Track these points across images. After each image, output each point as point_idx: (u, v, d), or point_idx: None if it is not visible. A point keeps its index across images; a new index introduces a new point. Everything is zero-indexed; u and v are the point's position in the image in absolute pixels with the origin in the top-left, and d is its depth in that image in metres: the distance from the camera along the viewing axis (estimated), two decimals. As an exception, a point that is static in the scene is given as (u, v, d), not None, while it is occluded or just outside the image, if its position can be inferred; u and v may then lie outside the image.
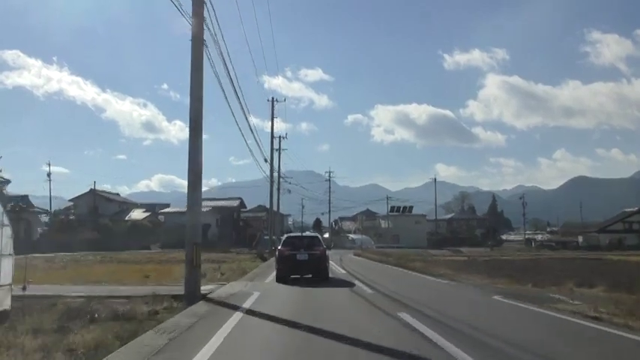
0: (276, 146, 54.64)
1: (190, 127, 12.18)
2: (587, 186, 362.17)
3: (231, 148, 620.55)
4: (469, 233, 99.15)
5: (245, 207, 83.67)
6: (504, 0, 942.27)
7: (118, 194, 77.77)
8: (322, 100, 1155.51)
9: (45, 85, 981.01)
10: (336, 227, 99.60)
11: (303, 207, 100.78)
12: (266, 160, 35.60)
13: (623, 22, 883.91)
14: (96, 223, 61.15)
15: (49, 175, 66.50)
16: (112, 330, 8.02)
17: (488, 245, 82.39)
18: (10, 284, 10.04)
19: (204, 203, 58.15)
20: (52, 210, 63.49)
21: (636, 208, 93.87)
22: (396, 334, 7.48)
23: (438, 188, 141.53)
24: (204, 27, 12.74)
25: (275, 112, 42.03)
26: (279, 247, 19.26)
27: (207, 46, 12.91)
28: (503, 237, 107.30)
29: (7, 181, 51.87)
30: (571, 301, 11.46)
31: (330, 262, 32.27)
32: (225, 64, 15.60)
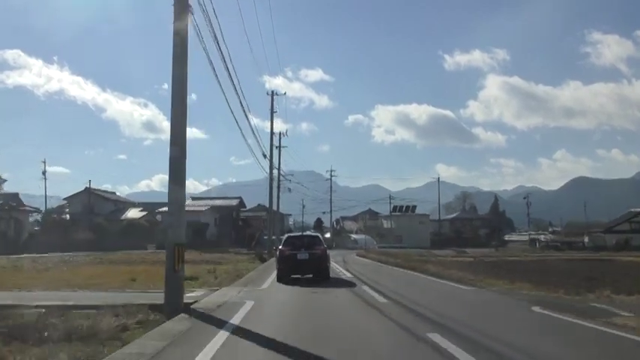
0: (276, 143, 53.02)
1: (173, 92, 10.36)
2: (588, 186, 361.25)
3: (232, 148, 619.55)
4: (473, 233, 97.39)
5: (245, 206, 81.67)
6: (505, 0, 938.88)
7: (114, 193, 75.83)
8: (323, 101, 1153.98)
9: (45, 84, 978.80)
10: (338, 227, 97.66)
11: (303, 206, 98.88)
12: (265, 156, 33.74)
13: (623, 23, 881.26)
14: (90, 223, 59.27)
15: (44, 173, 64.85)
16: (57, 356, 6.15)
17: (492, 246, 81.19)
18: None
19: (202, 202, 56.93)
20: (46, 209, 61.61)
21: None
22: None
23: (440, 188, 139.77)
24: (206, 27, 12.46)
25: (276, 112, 40.11)
26: (280, 247, 19.10)
27: (202, 41, 12.67)
28: (506, 237, 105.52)
29: (3, 180, 50.55)
30: (625, 314, 9.57)
31: (333, 263, 30.52)
32: (225, 61, 15.27)
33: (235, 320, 8.62)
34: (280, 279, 17.61)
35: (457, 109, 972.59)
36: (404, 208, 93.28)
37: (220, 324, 8.28)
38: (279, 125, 52.32)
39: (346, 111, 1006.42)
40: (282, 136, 52.04)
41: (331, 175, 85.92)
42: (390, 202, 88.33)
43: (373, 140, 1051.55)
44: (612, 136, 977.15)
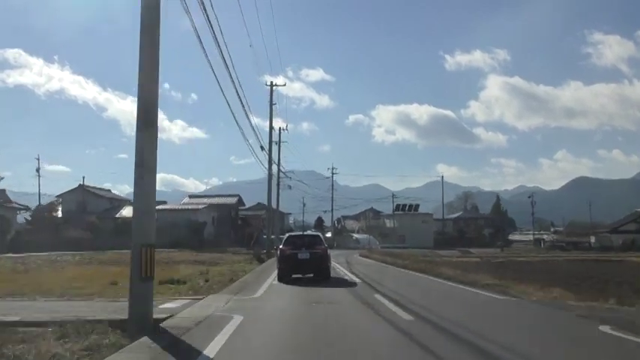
0: (275, 139, 50.94)
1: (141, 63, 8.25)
2: (589, 186, 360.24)
3: (233, 147, 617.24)
4: (477, 233, 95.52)
5: (244, 204, 79.37)
6: (505, 1, 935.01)
7: (109, 190, 73.54)
8: (323, 100, 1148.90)
9: (46, 84, 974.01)
10: (339, 226, 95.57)
11: (304, 205, 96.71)
12: (263, 149, 31.57)
13: (624, 24, 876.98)
14: (83, 221, 57.14)
15: (38, 170, 62.88)
16: None
17: (497, 246, 79.56)
18: None
19: (198, 200, 54.94)
20: (36, 206, 59.50)
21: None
22: None
23: (439, 188, 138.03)
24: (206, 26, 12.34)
25: (275, 104, 37.94)
26: (281, 246, 18.98)
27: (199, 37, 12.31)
28: (509, 237, 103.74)
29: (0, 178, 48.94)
30: None
31: (336, 264, 28.37)
32: (224, 60, 15.44)
33: (212, 350, 6.37)
34: (281, 278, 17.59)
35: (458, 110, 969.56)
36: (407, 207, 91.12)
37: (190, 357, 6.11)
38: (279, 124, 50.09)
39: (347, 111, 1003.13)
40: (282, 131, 50.08)
41: (332, 173, 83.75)
42: (393, 201, 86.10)
43: (374, 140, 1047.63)
44: (613, 136, 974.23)
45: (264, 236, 48.29)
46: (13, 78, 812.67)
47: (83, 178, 65.25)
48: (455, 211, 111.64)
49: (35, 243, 44.65)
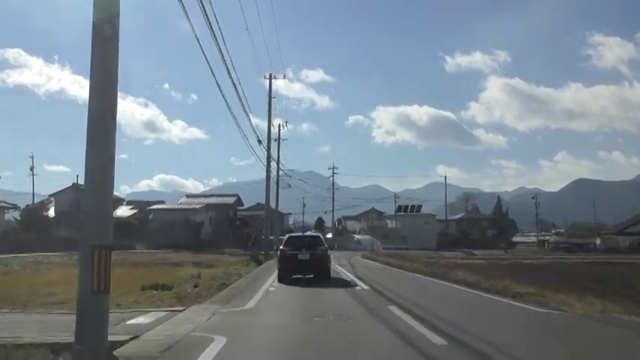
0: (275, 136, 49.09)
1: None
2: (589, 188, 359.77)
3: (233, 148, 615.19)
4: (480, 234, 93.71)
5: (242, 204, 77.40)
6: (506, 2, 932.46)
7: (104, 189, 71.38)
8: (323, 101, 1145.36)
9: (46, 84, 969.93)
10: (340, 227, 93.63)
11: (304, 205, 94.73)
12: (260, 142, 29.64)
13: (625, 25, 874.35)
14: (76, 220, 55.17)
15: (32, 169, 61.04)
16: None
17: (501, 247, 77.97)
18: None
19: (195, 200, 53.27)
20: (27, 205, 57.57)
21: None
22: None
23: (439, 189, 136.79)
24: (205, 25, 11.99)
25: (274, 97, 36.02)
26: (281, 247, 18.97)
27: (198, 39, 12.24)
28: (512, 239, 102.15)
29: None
30: None
31: (339, 268, 26.41)
32: (224, 60, 15.50)
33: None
34: (281, 279, 17.53)
35: (458, 111, 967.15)
36: (409, 208, 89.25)
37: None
38: (279, 123, 48.19)
39: (347, 112, 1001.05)
40: (281, 127, 48.29)
41: (333, 172, 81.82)
42: (395, 202, 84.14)
43: (374, 141, 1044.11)
44: (613, 138, 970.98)
45: (263, 237, 46.46)
46: (13, 78, 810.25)
47: (77, 176, 63.33)
48: (455, 213, 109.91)
49: (24, 243, 42.85)
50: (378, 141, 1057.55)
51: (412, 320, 8.45)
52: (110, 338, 6.06)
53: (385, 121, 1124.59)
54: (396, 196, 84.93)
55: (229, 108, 18.22)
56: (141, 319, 8.60)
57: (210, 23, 13.46)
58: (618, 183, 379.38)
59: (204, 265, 31.47)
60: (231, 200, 73.90)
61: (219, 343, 6.66)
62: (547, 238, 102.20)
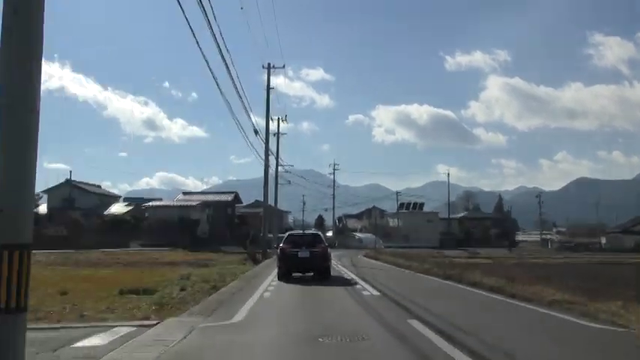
0: (274, 130, 47.31)
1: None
2: (590, 187, 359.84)
3: (232, 146, 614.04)
4: (483, 233, 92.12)
5: (240, 202, 75.45)
6: (506, 2, 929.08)
7: (98, 186, 69.59)
8: (323, 100, 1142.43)
9: (46, 82, 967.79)
10: (340, 225, 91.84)
11: (304, 203, 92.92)
12: (257, 133, 27.70)
13: (625, 25, 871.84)
14: (69, 218, 53.44)
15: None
16: None
17: (505, 246, 76.45)
18: None
19: (192, 197, 51.48)
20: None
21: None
22: None
23: (439, 188, 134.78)
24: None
25: (273, 88, 34.07)
26: (281, 245, 18.90)
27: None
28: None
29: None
30: None
31: (341, 268, 24.57)
32: (224, 59, 15.58)
33: None
34: (281, 277, 17.57)
35: (458, 110, 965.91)
36: (411, 206, 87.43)
37: None
38: (278, 123, 46.33)
39: (347, 110, 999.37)
40: (280, 121, 46.52)
41: (334, 169, 79.95)
42: (397, 199, 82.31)
43: (374, 140, 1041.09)
44: (613, 137, 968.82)
45: (262, 234, 44.65)
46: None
47: (70, 172, 61.67)
48: (456, 211, 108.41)
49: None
50: (378, 140, 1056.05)
51: (441, 339, 6.57)
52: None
53: (385, 120, 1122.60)
54: (398, 193, 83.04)
55: (221, 92, 16.52)
56: (95, 340, 6.77)
57: (209, 21, 12.94)
58: (619, 182, 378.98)
59: (198, 265, 29.84)
60: (229, 197, 72.00)
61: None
62: (549, 237, 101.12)
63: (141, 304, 11.54)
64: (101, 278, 20.01)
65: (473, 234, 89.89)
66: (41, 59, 4.53)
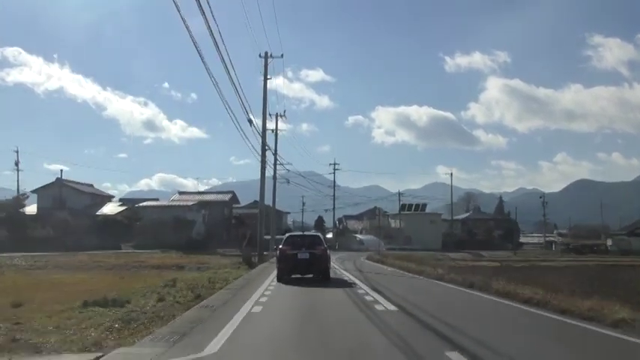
0: (272, 127, 45.15)
1: None
2: (590, 189, 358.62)
3: (232, 148, 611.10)
4: (486, 235, 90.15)
5: (238, 202, 73.11)
6: (506, 3, 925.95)
7: (91, 185, 67.14)
8: (323, 101, 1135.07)
9: (46, 82, 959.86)
10: (341, 227, 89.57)
11: (303, 204, 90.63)
12: (250, 122, 25.38)
13: (624, 26, 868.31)
14: (58, 218, 51.14)
15: (17, 164, 56.95)
16: None
17: (509, 248, 74.75)
18: None
19: (188, 197, 49.62)
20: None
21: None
22: None
23: (439, 190, 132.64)
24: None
25: (270, 78, 31.85)
26: (281, 246, 18.78)
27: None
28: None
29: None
30: None
31: (345, 273, 22.32)
32: (224, 60, 15.70)
33: None
34: (280, 279, 17.43)
35: (458, 111, 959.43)
36: (413, 207, 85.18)
37: None
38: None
39: (346, 112, 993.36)
40: (279, 117, 44.37)
41: (335, 169, 77.69)
42: (399, 200, 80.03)
43: (373, 141, 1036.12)
44: (613, 139, 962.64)
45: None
46: (13, 76, 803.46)
47: (61, 171, 59.66)
48: (456, 213, 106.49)
49: (-6, 243, 38.71)
50: (377, 141, 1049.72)
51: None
52: None
53: (385, 122, 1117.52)
54: (400, 194, 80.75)
55: (216, 84, 14.78)
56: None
57: (209, 25, 13.47)
58: (619, 184, 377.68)
59: (190, 269, 27.76)
60: (226, 197, 69.68)
61: None
62: (550, 239, 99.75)
63: (103, 320, 9.36)
64: (73, 285, 17.89)
65: (475, 236, 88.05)
66: None
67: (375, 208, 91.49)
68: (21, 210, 50.75)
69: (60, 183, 59.54)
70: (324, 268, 17.91)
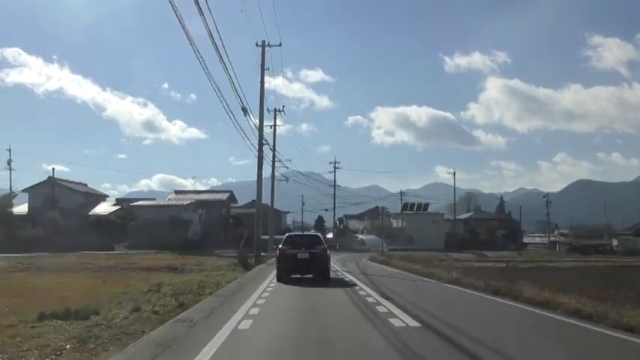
0: (271, 122, 43.45)
1: None
2: (590, 189, 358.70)
3: (232, 148, 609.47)
4: (489, 235, 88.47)
5: (236, 201, 71.18)
6: (505, 3, 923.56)
7: (85, 184, 65.28)
8: (323, 101, 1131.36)
9: (45, 83, 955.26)
10: (341, 226, 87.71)
11: (303, 204, 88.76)
12: (245, 112, 23.46)
13: (624, 26, 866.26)
14: (48, 218, 49.31)
15: (9, 162, 55.16)
16: None
17: (513, 249, 73.24)
18: None
19: (184, 196, 48.44)
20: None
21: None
22: None
23: (439, 190, 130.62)
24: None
25: (267, 69, 30.07)
26: (280, 246, 18.66)
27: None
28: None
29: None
30: None
31: (348, 275, 20.59)
32: (223, 61, 15.75)
33: None
34: (280, 278, 17.38)
35: (457, 112, 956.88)
36: (415, 206, 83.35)
37: None
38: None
39: (346, 112, 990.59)
40: (277, 112, 42.62)
41: (335, 167, 75.85)
42: (401, 199, 78.23)
43: (373, 142, 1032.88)
44: (613, 139, 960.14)
45: (255, 236, 40.65)
46: (13, 77, 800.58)
47: (53, 169, 57.75)
48: (458, 213, 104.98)
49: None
50: (377, 141, 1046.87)
51: None
52: None
53: (384, 122, 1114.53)
54: (402, 193, 78.91)
55: (210, 76, 13.27)
56: None
57: (206, 22, 13.48)
58: (619, 184, 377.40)
59: (180, 271, 26.03)
60: (223, 197, 67.80)
61: None
62: (552, 239, 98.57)
63: (56, 337, 7.56)
64: (47, 290, 16.07)
65: (478, 236, 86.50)
66: None
67: (377, 207, 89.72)
68: (10, 209, 48.89)
69: (52, 182, 57.66)
70: (323, 268, 17.83)
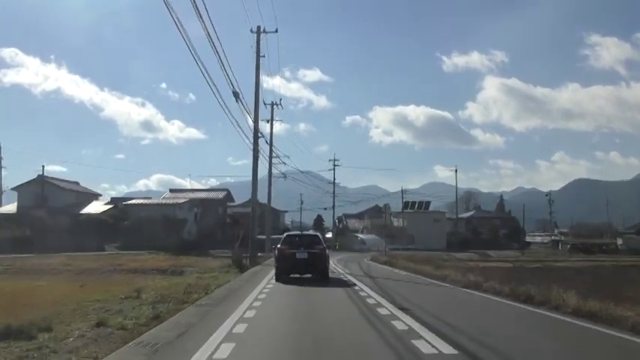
0: (268, 117, 41.70)
1: None
2: (588, 188, 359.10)
3: (230, 148, 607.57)
4: (492, 234, 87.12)
5: (232, 200, 69.37)
6: (504, 3, 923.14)
7: (77, 183, 63.41)
8: (321, 101, 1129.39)
9: (43, 83, 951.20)
10: (341, 226, 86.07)
11: (302, 203, 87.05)
12: (237, 96, 21.62)
13: (622, 26, 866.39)
14: (30, 217, 47.52)
15: (-1, 161, 53.43)
16: None
17: (515, 248, 71.72)
18: None
19: (180, 195, 47.39)
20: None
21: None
22: None
23: (437, 189, 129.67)
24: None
25: (263, 56, 28.30)
26: (279, 245, 18.57)
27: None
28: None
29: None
30: None
31: (350, 278, 18.63)
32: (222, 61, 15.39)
33: None
34: (278, 278, 17.48)
35: (455, 111, 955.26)
36: (416, 205, 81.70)
37: None
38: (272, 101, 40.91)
39: (344, 112, 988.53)
40: (274, 106, 40.89)
41: (334, 165, 74.18)
42: (402, 198, 76.52)
43: (371, 141, 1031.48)
44: (611, 138, 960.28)
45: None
46: (10, 77, 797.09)
47: (43, 167, 55.53)
48: (458, 212, 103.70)
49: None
50: (375, 141, 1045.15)
51: None
52: None
53: (382, 121, 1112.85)
54: (403, 191, 77.21)
55: (206, 74, 11.77)
56: None
57: (206, 26, 13.13)
58: (617, 183, 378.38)
59: (172, 272, 24.32)
60: (220, 195, 65.99)
61: None
62: (553, 238, 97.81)
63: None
64: (14, 296, 14.20)
65: (480, 235, 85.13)
66: None
67: (377, 206, 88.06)
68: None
69: (41, 180, 55.83)
70: (322, 268, 17.83)
